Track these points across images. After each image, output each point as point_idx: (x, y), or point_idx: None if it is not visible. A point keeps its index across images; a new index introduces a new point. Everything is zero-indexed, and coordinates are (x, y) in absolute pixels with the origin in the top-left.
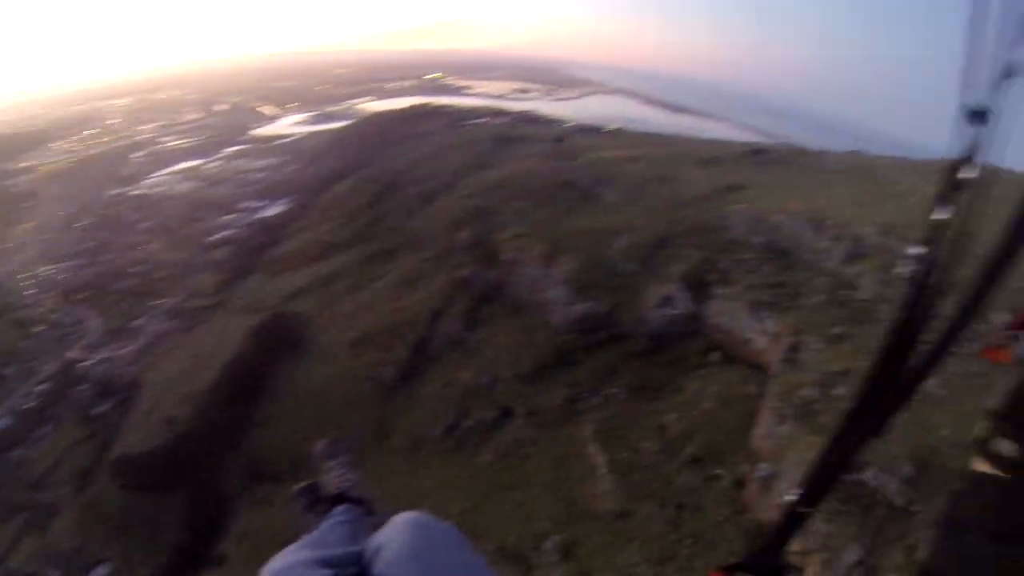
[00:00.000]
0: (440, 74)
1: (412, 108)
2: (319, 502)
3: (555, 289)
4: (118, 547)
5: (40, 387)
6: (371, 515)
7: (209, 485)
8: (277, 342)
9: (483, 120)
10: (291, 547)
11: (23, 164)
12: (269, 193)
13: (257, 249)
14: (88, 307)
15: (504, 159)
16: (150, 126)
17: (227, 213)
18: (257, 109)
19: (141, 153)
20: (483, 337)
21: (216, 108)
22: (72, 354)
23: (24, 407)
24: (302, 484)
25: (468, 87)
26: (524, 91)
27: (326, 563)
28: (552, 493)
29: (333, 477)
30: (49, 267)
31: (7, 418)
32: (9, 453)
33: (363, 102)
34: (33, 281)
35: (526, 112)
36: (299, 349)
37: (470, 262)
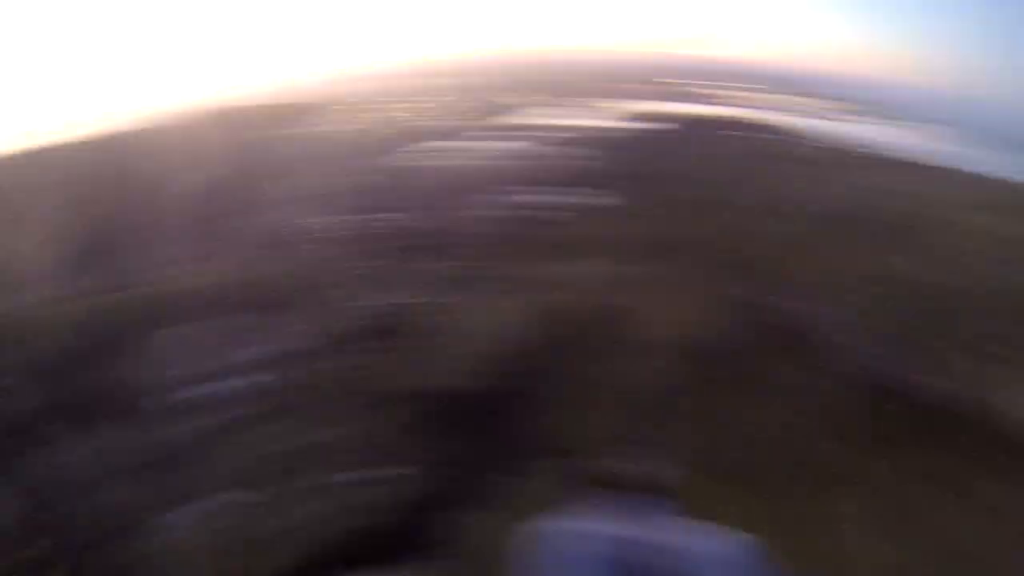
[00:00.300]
0: (692, 81)
1: (662, 114)
2: (619, 484)
3: (849, 333)
4: None
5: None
6: (668, 509)
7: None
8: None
9: (738, 133)
10: (590, 526)
11: (290, 132)
12: (526, 179)
13: (519, 236)
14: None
15: (765, 177)
16: (410, 105)
17: (484, 193)
18: (505, 98)
19: (398, 129)
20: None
21: (470, 93)
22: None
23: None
24: (607, 463)
25: (718, 96)
26: (784, 106)
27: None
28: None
29: (638, 462)
30: (309, 221)
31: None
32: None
33: (610, 103)
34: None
35: (791, 127)
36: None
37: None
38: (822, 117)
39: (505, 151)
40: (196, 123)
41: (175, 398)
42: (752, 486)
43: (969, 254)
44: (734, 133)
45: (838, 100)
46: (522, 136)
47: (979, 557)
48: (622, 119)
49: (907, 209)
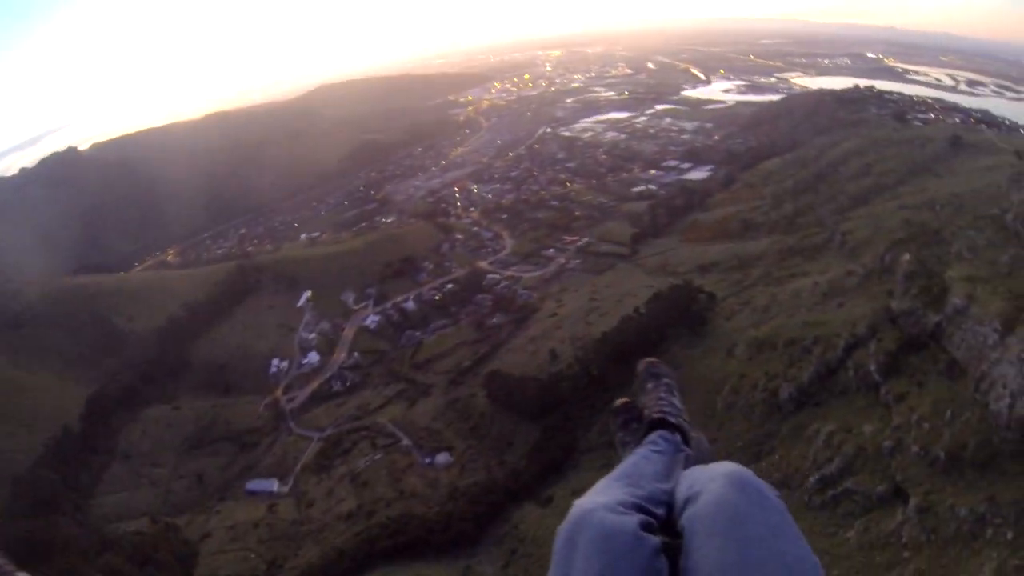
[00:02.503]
0: (880, 55)
1: (850, 91)
2: (635, 422)
3: (1007, 366)
4: (465, 445)
5: (448, 286)
6: (687, 446)
7: (568, 429)
8: (678, 313)
9: (931, 116)
10: (604, 480)
11: (466, 99)
12: (694, 156)
13: (676, 210)
14: (505, 227)
15: (956, 168)
16: (581, 76)
17: (650, 168)
18: (687, 71)
19: (572, 99)
20: (900, 391)
21: (646, 65)
22: (483, 265)
23: (431, 299)
24: (622, 401)
25: (913, 72)
26: (978, 84)
27: (636, 506)
28: None
29: (653, 400)
30: (477, 187)
31: (413, 303)
32: (407, 331)
33: (795, 76)
34: (462, 196)
35: (983, 111)
36: (698, 328)
37: (906, 293)
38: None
39: (678, 126)
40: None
41: None
42: None
43: None
44: (923, 116)
45: None
46: (695, 111)
47: None
48: (809, 92)
49: None
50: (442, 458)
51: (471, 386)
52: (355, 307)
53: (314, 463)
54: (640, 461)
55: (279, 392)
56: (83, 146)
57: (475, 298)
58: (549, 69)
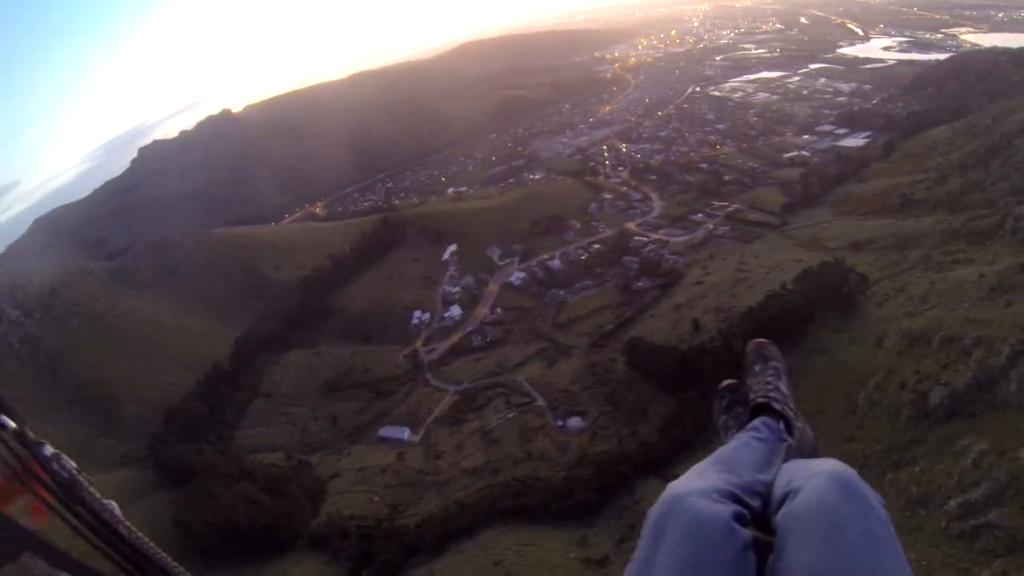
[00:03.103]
0: None
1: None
2: (740, 406)
3: None
4: (599, 411)
5: (595, 247)
6: (790, 436)
7: (704, 405)
8: (828, 293)
9: None
10: (701, 464)
11: (612, 55)
12: (851, 121)
13: (830, 180)
14: (653, 188)
15: None
16: (731, 32)
17: (803, 133)
18: (842, 25)
19: (721, 57)
20: None
21: (798, 19)
22: (630, 227)
23: (577, 258)
24: (728, 382)
25: None
26: None
27: (731, 495)
28: None
29: (760, 383)
30: (626, 146)
31: (559, 262)
32: (551, 290)
33: (964, 32)
34: (610, 154)
35: None
36: (847, 311)
37: None
38: None
39: (833, 87)
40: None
41: None
42: None
43: None
44: None
45: None
46: (852, 71)
47: None
48: (981, 51)
49: None
50: (574, 422)
51: (612, 350)
52: (500, 263)
53: (447, 416)
54: (740, 447)
55: (419, 343)
56: (236, 108)
57: (621, 260)
58: (696, 24)
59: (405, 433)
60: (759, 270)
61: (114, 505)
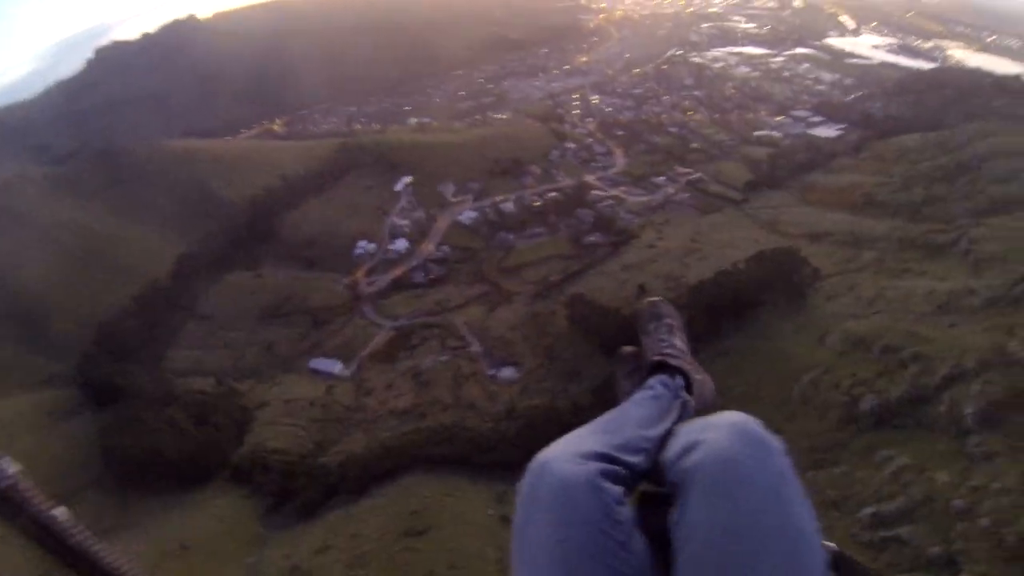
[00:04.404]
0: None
1: (1013, 79)
2: (639, 369)
3: None
4: (534, 363)
5: (551, 195)
6: (688, 392)
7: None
8: (779, 279)
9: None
10: (583, 428)
11: (598, 5)
12: (827, 111)
13: (797, 165)
14: (619, 144)
15: None
16: (722, 1)
17: (778, 114)
18: (836, 15)
19: (708, 24)
20: (990, 450)
21: (792, 2)
22: (589, 180)
23: (532, 204)
24: (629, 349)
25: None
26: None
27: (600, 455)
28: None
29: (655, 341)
30: (598, 98)
31: (512, 205)
32: (501, 233)
33: (953, 47)
34: (581, 104)
35: None
36: (795, 300)
37: None
38: None
39: (815, 74)
40: None
41: None
42: None
43: None
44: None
45: None
46: (836, 63)
47: None
48: (966, 70)
49: None
50: (507, 372)
51: (555, 302)
52: (453, 200)
53: (381, 352)
54: (629, 407)
55: (361, 274)
56: (204, 15)
57: (576, 212)
58: None
59: (337, 366)
60: (713, 243)
61: (62, 511)
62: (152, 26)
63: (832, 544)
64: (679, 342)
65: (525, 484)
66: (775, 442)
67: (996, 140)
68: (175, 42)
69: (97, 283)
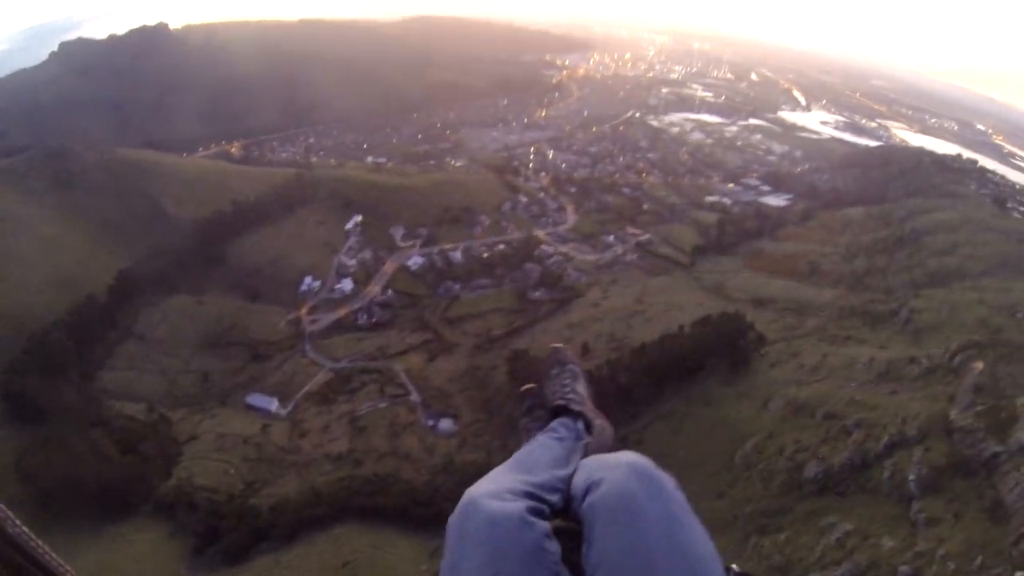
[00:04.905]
0: (991, 129)
1: (952, 158)
2: (540, 409)
3: None
4: (472, 417)
5: (500, 247)
6: (589, 434)
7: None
8: (723, 344)
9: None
10: (497, 469)
11: (562, 62)
12: (775, 181)
13: (745, 232)
14: (571, 201)
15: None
16: (683, 69)
17: (729, 181)
18: (788, 91)
19: (667, 90)
20: (934, 515)
21: (748, 75)
22: (539, 234)
23: (479, 255)
24: (528, 386)
25: (1021, 157)
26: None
27: (525, 493)
28: None
29: (558, 386)
30: (554, 153)
31: (460, 255)
32: (447, 282)
33: (896, 126)
34: (537, 158)
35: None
36: (739, 366)
37: (969, 408)
38: None
39: (766, 145)
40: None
41: None
42: None
43: None
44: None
45: None
46: (787, 135)
47: None
48: (909, 148)
49: None
50: (446, 424)
51: (496, 356)
52: (402, 244)
53: (319, 393)
54: (536, 449)
55: (304, 311)
56: (174, 24)
57: (524, 266)
58: (651, 53)
59: (273, 404)
60: (659, 305)
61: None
62: (121, 27)
63: (736, 567)
64: (581, 388)
65: (454, 522)
66: (668, 478)
67: (935, 216)
68: (141, 48)
69: (32, 288)
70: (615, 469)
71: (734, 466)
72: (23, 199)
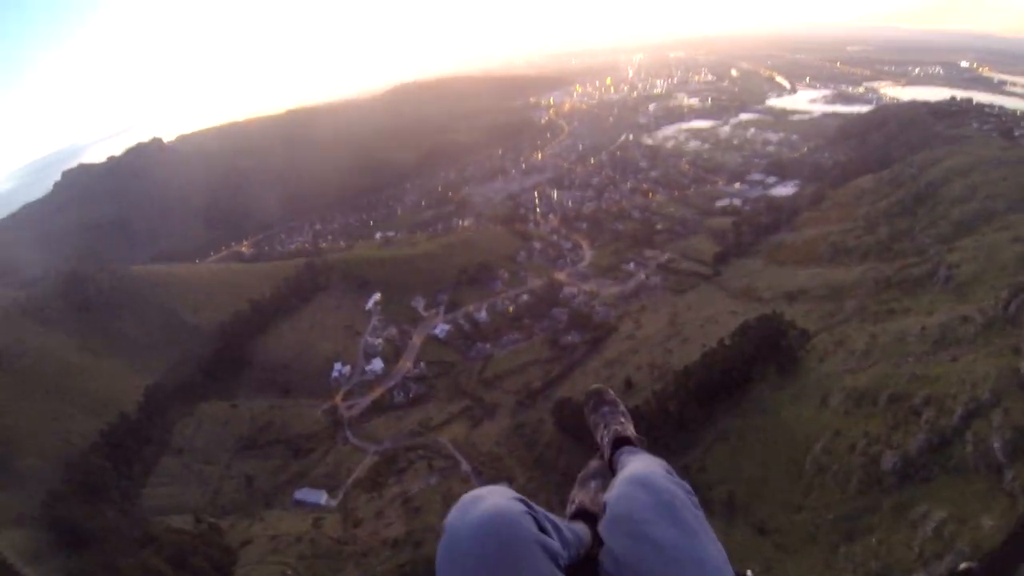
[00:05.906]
0: (975, 63)
1: (947, 103)
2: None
3: None
4: (526, 476)
5: (523, 298)
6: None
7: None
8: (767, 348)
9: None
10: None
11: (547, 101)
12: (779, 170)
13: (761, 229)
14: (584, 237)
15: None
16: (663, 81)
17: (734, 181)
18: (771, 78)
19: (654, 105)
20: None
21: (729, 72)
22: (559, 277)
23: (504, 310)
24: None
25: (1012, 82)
26: None
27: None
28: None
29: (608, 420)
30: (558, 192)
31: (485, 313)
32: (477, 343)
33: (884, 86)
34: (542, 201)
35: None
36: (787, 366)
37: None
38: None
39: (762, 137)
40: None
41: None
42: None
43: None
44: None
45: None
46: (780, 122)
47: None
48: (902, 104)
49: None
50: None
51: (540, 410)
52: (425, 313)
53: (367, 479)
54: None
55: (339, 398)
56: (168, 138)
57: (550, 312)
58: (631, 73)
59: (322, 497)
60: (693, 323)
61: None
62: (119, 148)
63: (750, 573)
64: (623, 418)
65: (454, 514)
66: (676, 483)
67: (945, 164)
68: (138, 166)
69: (65, 415)
70: (619, 486)
71: (805, 473)
72: (44, 330)
